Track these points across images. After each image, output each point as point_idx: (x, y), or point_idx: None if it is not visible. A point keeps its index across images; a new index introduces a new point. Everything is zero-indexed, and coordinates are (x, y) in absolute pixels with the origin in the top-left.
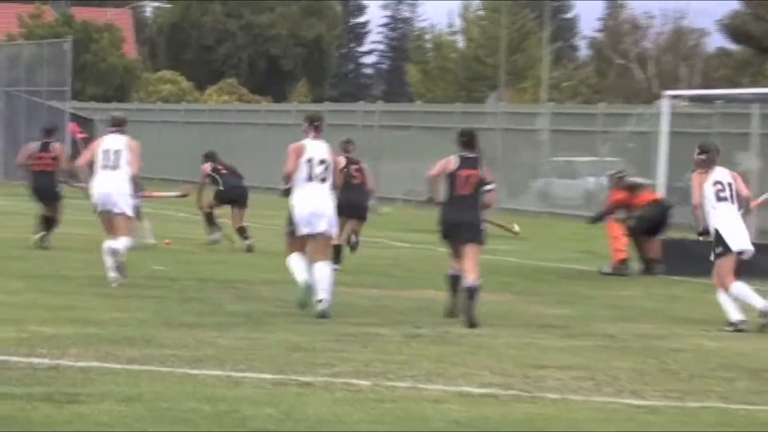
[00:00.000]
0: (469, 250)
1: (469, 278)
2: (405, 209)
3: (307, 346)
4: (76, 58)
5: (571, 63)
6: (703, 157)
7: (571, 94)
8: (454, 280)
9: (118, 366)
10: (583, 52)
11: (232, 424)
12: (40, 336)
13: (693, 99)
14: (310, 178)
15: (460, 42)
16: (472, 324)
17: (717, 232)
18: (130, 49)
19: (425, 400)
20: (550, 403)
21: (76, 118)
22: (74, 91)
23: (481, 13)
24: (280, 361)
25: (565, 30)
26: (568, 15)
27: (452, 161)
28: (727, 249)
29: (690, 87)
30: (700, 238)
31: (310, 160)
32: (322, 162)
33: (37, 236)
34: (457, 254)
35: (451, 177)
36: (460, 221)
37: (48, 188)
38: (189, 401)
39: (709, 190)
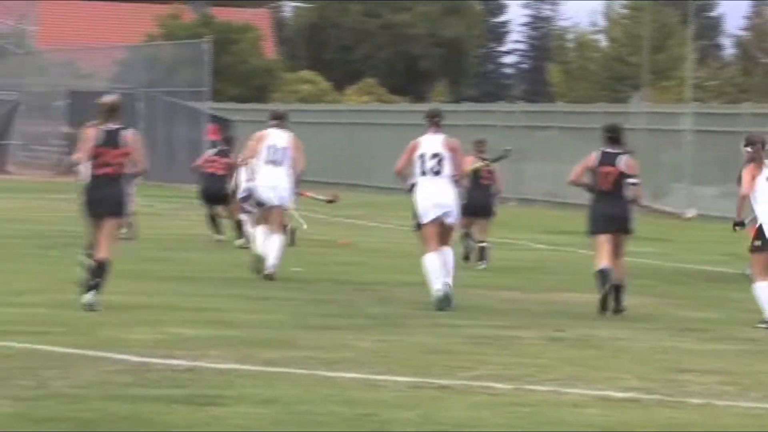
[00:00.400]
0: (614, 240)
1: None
2: (545, 211)
3: (445, 349)
4: (215, 58)
5: (715, 62)
6: (749, 149)
7: (715, 94)
8: (604, 274)
9: (256, 368)
10: (729, 51)
11: (371, 427)
12: (179, 338)
13: None
14: (423, 173)
15: (602, 41)
16: (617, 307)
17: (761, 226)
18: (269, 50)
19: (565, 405)
20: (694, 408)
21: (215, 119)
22: (214, 91)
23: (624, 11)
24: (418, 364)
25: (710, 29)
26: (713, 13)
27: (593, 157)
28: (765, 245)
29: None
30: (736, 229)
31: (422, 156)
32: (434, 156)
33: (238, 242)
34: (601, 248)
35: (594, 173)
36: (607, 214)
37: (216, 190)
38: (327, 404)
39: (763, 185)
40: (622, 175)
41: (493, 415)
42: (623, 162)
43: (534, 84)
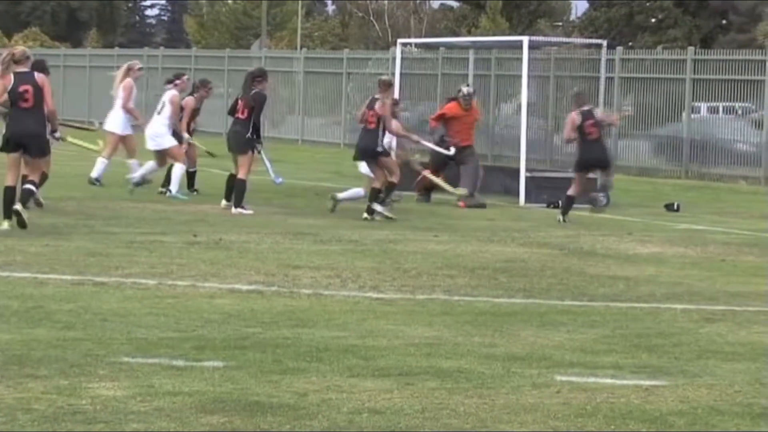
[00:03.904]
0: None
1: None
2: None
3: (102, 252)
4: None
5: (320, 15)
6: None
7: (320, 42)
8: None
9: None
10: (331, 6)
11: (38, 318)
12: None
13: (421, 46)
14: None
15: None
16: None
17: None
18: None
19: (201, 296)
20: (305, 297)
21: None
22: None
23: None
24: (79, 265)
25: None
26: None
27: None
28: None
29: (418, 36)
30: None
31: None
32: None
33: None
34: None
35: None
36: None
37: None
38: (0, 299)
39: None
40: None
41: (142, 306)
42: None
43: (173, 33)
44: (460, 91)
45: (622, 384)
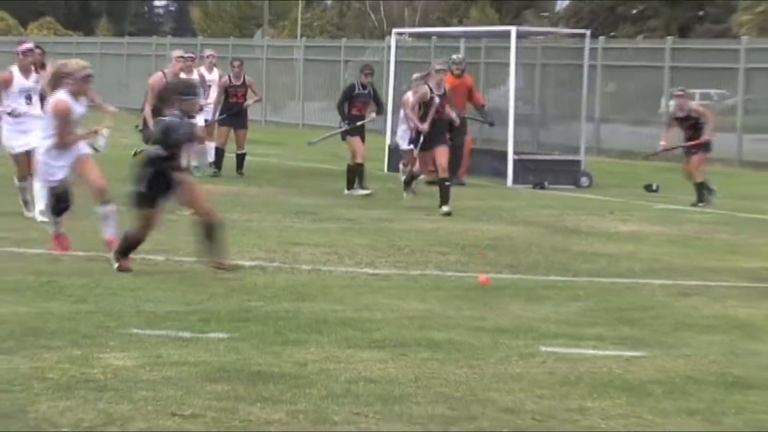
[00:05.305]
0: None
1: None
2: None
3: None
4: None
5: (319, 6)
6: None
7: (319, 31)
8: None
9: None
10: None
11: (52, 292)
12: None
13: (414, 35)
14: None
15: None
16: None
17: None
18: None
19: (207, 272)
20: (305, 272)
21: None
22: None
23: None
24: (91, 242)
25: None
26: None
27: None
28: None
29: (412, 26)
30: None
31: None
32: None
33: None
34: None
35: None
36: None
37: None
38: (17, 274)
39: None
40: None
41: (151, 279)
42: None
43: (180, 22)
44: (450, 59)
45: (603, 354)
